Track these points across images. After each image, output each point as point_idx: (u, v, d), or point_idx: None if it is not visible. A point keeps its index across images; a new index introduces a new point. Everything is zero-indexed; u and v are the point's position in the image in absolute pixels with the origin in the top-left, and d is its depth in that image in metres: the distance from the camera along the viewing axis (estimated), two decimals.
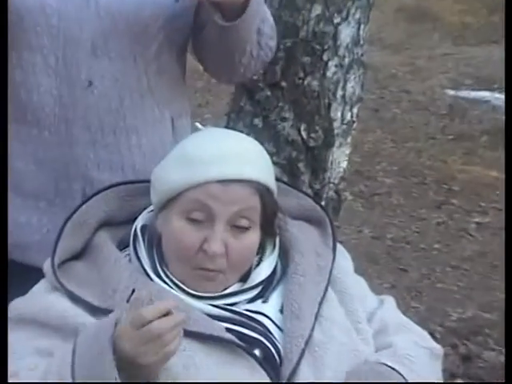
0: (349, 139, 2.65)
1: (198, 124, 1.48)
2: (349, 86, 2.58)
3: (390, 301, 1.67)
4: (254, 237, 1.44)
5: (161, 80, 1.62)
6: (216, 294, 1.43)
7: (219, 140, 1.45)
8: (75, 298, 1.38)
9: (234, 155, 1.40)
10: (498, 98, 7.61)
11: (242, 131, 2.53)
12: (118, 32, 1.50)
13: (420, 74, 8.47)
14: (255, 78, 2.50)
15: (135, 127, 1.61)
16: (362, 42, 2.57)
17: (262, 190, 1.41)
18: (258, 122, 2.57)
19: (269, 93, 2.53)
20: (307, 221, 1.63)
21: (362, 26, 2.54)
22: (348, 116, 2.61)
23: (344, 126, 2.61)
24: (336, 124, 2.59)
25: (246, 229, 1.41)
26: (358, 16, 2.51)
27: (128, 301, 1.28)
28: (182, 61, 1.68)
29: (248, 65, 1.60)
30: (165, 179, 1.41)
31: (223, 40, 1.50)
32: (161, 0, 1.52)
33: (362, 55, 2.59)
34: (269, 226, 1.48)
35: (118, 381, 1.18)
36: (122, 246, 1.52)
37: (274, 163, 2.30)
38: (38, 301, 1.42)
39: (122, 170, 1.63)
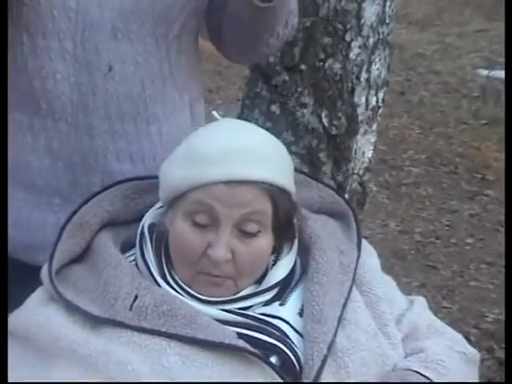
0: (374, 126, 2.65)
1: (214, 113, 1.47)
2: (374, 68, 2.58)
3: (420, 302, 1.64)
4: (264, 242, 1.42)
5: (180, 63, 1.63)
6: (227, 298, 1.42)
7: (228, 136, 1.42)
8: (73, 308, 1.36)
9: (243, 153, 1.37)
10: None
11: (257, 119, 2.54)
12: (139, 12, 1.50)
13: (450, 53, 8.44)
14: (271, 60, 2.52)
15: (156, 114, 1.61)
16: (387, 20, 2.56)
17: (274, 192, 1.38)
18: (275, 108, 2.57)
19: (287, 77, 2.54)
20: (329, 215, 1.62)
21: (388, 3, 2.54)
22: (373, 101, 2.61)
23: (369, 112, 2.61)
24: (360, 110, 2.59)
25: (255, 234, 1.39)
26: None
27: (131, 308, 1.29)
28: (197, 42, 1.69)
29: (273, 45, 1.60)
30: (170, 177, 1.41)
31: (255, 21, 1.50)
32: None
33: (388, 35, 2.59)
34: (283, 229, 1.46)
35: None
36: (127, 247, 1.52)
37: (293, 153, 2.34)
38: (31, 314, 1.41)
39: (143, 161, 1.63)
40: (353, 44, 2.50)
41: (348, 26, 2.48)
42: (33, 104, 1.56)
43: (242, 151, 1.37)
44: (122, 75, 1.53)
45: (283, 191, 1.40)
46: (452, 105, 7.00)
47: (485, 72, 7.89)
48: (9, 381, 1.29)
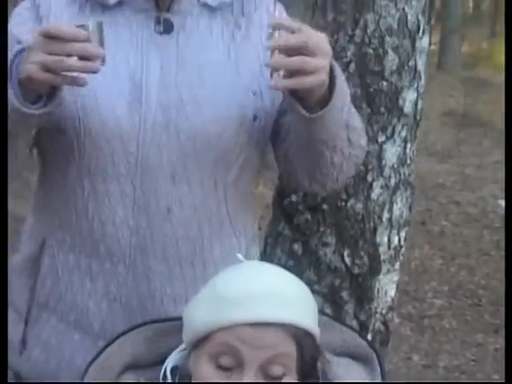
0: (397, 265, 2.63)
1: (239, 255, 1.46)
2: (395, 208, 2.57)
3: None
4: None
5: (238, 205, 1.63)
6: None
7: (252, 278, 1.39)
8: None
9: (267, 296, 1.34)
10: None
11: (280, 257, 2.53)
12: (198, 156, 1.51)
13: (470, 184, 8.47)
14: (294, 200, 2.52)
15: (213, 257, 1.60)
16: (409, 161, 2.57)
17: (299, 334, 1.34)
18: (297, 247, 2.56)
19: (309, 216, 2.54)
20: (353, 358, 1.56)
21: (409, 145, 2.55)
22: (395, 240, 2.60)
23: (391, 252, 2.59)
24: (382, 249, 2.58)
25: (280, 377, 1.35)
26: (404, 134, 2.53)
27: None
28: (253, 185, 1.70)
29: (341, 166, 1.57)
30: (194, 318, 1.37)
31: (311, 135, 1.48)
32: (241, 120, 1.54)
33: (409, 175, 2.59)
34: (308, 372, 1.41)
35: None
36: None
37: (316, 292, 2.32)
38: None
39: None
40: (374, 184, 2.50)
41: (369, 167, 2.49)
42: (91, 247, 1.56)
43: (267, 294, 1.34)
44: (179, 218, 1.53)
45: (308, 334, 1.37)
46: (473, 235, 6.98)
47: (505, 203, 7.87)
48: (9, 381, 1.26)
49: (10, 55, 1.38)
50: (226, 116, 1.52)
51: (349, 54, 2.47)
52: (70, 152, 1.51)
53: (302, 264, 2.52)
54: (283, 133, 1.61)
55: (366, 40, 2.45)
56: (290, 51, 1.34)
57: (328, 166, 1.56)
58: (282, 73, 1.38)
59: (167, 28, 1.53)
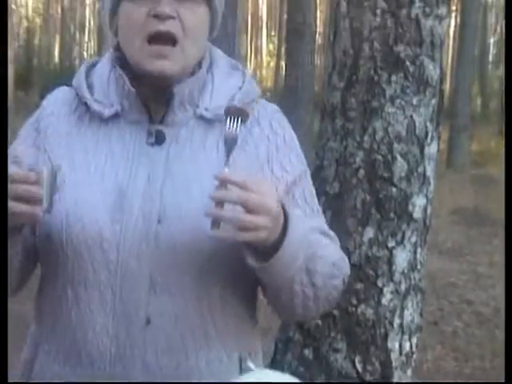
0: (409, 372, 2.60)
1: (250, 364, 1.43)
2: (407, 313, 2.56)
3: None
4: None
5: (229, 317, 1.57)
6: None
7: None
8: None
9: None
10: None
11: (290, 363, 2.51)
12: (179, 267, 1.49)
13: (482, 283, 8.40)
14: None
15: (198, 369, 1.54)
16: (419, 266, 2.57)
17: None
18: (308, 353, 2.54)
19: (319, 321, 2.52)
20: None
21: (419, 250, 2.55)
22: (407, 346, 2.58)
23: (403, 358, 2.57)
24: (394, 355, 2.55)
25: None
26: (414, 239, 2.54)
27: None
28: (253, 295, 1.68)
29: (305, 305, 1.52)
30: None
31: (265, 280, 1.47)
32: None
33: (419, 280, 2.59)
34: None
35: None
36: None
37: None
38: None
39: None
40: (385, 290, 2.50)
41: (379, 272, 2.49)
42: (75, 357, 1.53)
43: None
44: (160, 328, 1.50)
45: None
46: (487, 336, 6.88)
47: None
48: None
49: None
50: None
51: (357, 160, 2.50)
52: (56, 261, 1.52)
53: (313, 370, 2.49)
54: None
55: (375, 146, 2.48)
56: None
57: (288, 307, 1.54)
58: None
59: (159, 139, 1.54)
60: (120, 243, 1.49)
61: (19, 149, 1.59)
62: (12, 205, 1.35)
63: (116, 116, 1.55)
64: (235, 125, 1.46)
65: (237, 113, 1.47)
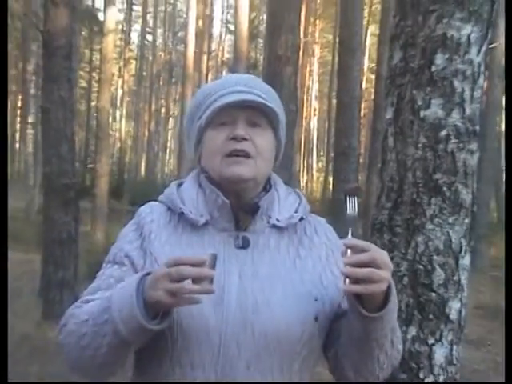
0: None
1: None
2: None
3: None
4: None
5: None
6: None
7: None
8: None
9: None
10: None
11: None
12: (269, 349, 1.50)
13: (502, 369, 8.15)
14: None
15: None
16: (455, 361, 2.51)
17: None
18: None
19: None
20: None
21: (455, 347, 2.50)
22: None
23: None
24: None
25: None
26: (450, 338, 2.48)
27: None
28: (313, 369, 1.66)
29: (383, 364, 1.54)
30: None
31: (367, 334, 1.46)
32: (304, 321, 1.52)
33: (455, 373, 2.53)
34: None
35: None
36: None
37: None
38: None
39: None
40: (426, 380, 2.44)
41: (421, 365, 2.44)
42: None
43: None
44: None
45: None
46: None
47: None
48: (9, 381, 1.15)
49: (135, 277, 1.43)
50: (293, 318, 1.51)
51: (402, 269, 2.47)
52: (165, 345, 1.51)
53: None
54: (334, 336, 1.60)
55: (417, 258, 2.45)
56: (361, 264, 1.36)
57: (374, 363, 1.53)
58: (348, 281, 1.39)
59: (245, 244, 1.57)
60: (222, 330, 1.49)
61: (127, 248, 1.60)
62: (190, 287, 1.35)
63: (206, 224, 1.59)
64: (353, 204, 1.49)
65: (354, 192, 1.52)
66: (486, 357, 8.41)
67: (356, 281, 1.37)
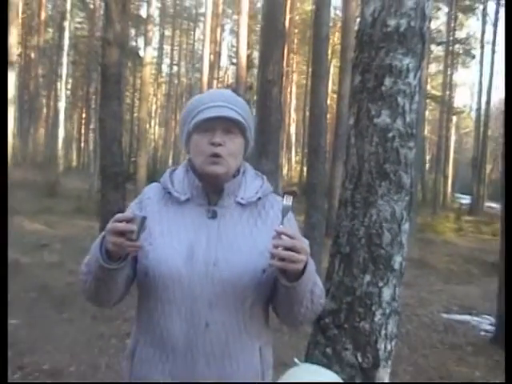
0: (389, 362, 2.47)
1: (296, 360, 1.35)
2: (389, 327, 2.46)
3: None
4: None
5: (253, 321, 1.55)
6: None
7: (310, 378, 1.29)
8: None
9: None
10: (476, 319, 7.38)
11: (317, 357, 2.43)
12: (226, 293, 1.48)
13: (424, 303, 8.17)
14: (327, 321, 2.42)
15: (235, 352, 1.51)
16: (397, 298, 2.48)
17: None
18: (329, 350, 2.44)
19: (336, 331, 2.43)
20: None
21: (397, 289, 2.48)
22: (389, 347, 2.47)
23: (386, 354, 2.46)
24: (381, 352, 2.43)
25: None
26: (394, 282, 2.46)
27: None
28: (267, 309, 1.62)
29: (304, 314, 1.52)
30: None
31: (288, 295, 1.46)
32: (254, 272, 1.49)
33: (397, 307, 2.49)
34: None
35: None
36: None
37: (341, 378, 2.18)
38: None
39: None
40: (376, 313, 2.43)
41: (373, 302, 2.42)
42: (162, 344, 1.52)
43: None
44: (214, 329, 1.48)
45: None
46: (425, 335, 6.60)
47: (445, 315, 7.55)
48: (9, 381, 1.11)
49: (103, 233, 1.44)
50: (245, 270, 1.49)
51: (361, 233, 2.45)
52: (150, 288, 1.51)
53: (332, 362, 2.40)
54: (273, 292, 1.56)
55: (371, 225, 2.43)
56: (285, 248, 1.35)
57: (296, 313, 1.51)
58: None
59: (213, 215, 1.55)
60: (190, 278, 1.48)
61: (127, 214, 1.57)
62: (121, 241, 1.35)
63: (187, 200, 1.56)
64: (289, 200, 1.45)
65: (290, 193, 1.54)
66: (414, 294, 8.41)
67: (281, 259, 1.36)
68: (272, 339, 1.66)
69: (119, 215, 1.37)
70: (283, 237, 1.34)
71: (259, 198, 1.59)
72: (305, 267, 1.39)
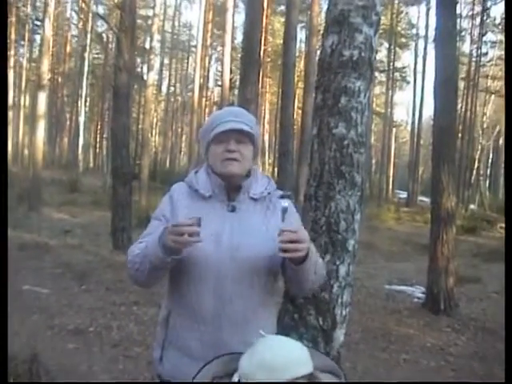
0: (344, 325, 2.47)
1: (261, 332, 1.25)
2: (344, 296, 2.45)
3: None
4: None
5: (266, 294, 1.54)
6: None
7: (281, 348, 1.13)
8: None
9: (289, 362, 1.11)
10: (411, 289, 7.39)
11: (287, 322, 2.39)
12: (246, 271, 1.46)
13: (371, 277, 8.22)
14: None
15: (256, 320, 1.49)
16: (350, 274, 2.47)
17: None
18: (296, 316, 2.41)
19: (302, 300, 2.41)
20: (331, 373, 1.34)
21: (351, 266, 2.45)
22: (344, 312, 2.45)
23: (342, 318, 2.45)
24: (338, 317, 2.42)
25: None
26: (348, 261, 2.44)
27: None
28: (276, 284, 1.60)
29: (311, 284, 1.52)
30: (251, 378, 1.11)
31: (297, 275, 1.45)
32: (268, 253, 1.47)
33: (351, 280, 2.49)
34: None
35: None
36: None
37: (305, 339, 2.17)
38: None
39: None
40: (334, 285, 2.40)
41: (332, 276, 2.39)
42: (193, 316, 1.48)
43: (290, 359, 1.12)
44: (236, 303, 1.47)
45: None
46: (371, 302, 6.58)
47: (388, 286, 7.60)
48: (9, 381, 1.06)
49: (161, 230, 1.42)
50: (262, 252, 1.48)
51: (322, 221, 2.41)
52: (182, 269, 1.48)
53: (298, 325, 2.38)
54: (284, 270, 1.54)
55: (331, 215, 2.40)
56: (291, 241, 1.34)
57: (304, 284, 1.50)
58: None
59: (233, 209, 1.53)
60: (218, 260, 1.45)
61: (163, 210, 1.56)
62: (184, 240, 1.33)
63: (210, 197, 1.53)
64: (285, 201, 1.46)
65: (287, 196, 1.55)
66: (363, 270, 8.43)
67: (287, 250, 1.35)
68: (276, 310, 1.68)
69: (182, 220, 1.35)
70: (286, 232, 1.34)
71: (268, 193, 1.59)
72: (307, 254, 1.39)
